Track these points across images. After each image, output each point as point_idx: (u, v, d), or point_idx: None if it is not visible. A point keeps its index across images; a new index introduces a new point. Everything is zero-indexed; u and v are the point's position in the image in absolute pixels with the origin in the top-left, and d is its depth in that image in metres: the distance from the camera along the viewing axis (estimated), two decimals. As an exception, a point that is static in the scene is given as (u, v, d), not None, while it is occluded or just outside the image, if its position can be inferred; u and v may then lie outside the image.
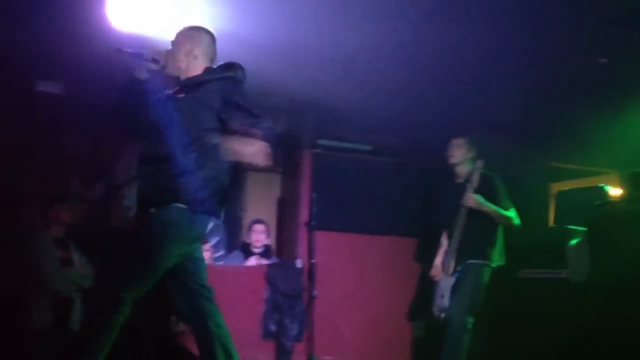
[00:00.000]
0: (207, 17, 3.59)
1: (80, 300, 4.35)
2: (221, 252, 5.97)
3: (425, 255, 5.12)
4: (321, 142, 5.25)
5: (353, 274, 5.21)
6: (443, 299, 4.39)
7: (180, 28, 3.06)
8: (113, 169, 5.51)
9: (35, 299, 4.23)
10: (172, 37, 3.03)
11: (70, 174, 5.41)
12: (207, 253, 5.25)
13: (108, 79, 3.99)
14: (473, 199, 4.21)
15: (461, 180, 4.42)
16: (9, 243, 4.34)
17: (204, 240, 5.09)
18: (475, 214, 4.24)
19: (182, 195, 2.75)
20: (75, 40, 3.81)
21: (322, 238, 5.04)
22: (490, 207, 4.25)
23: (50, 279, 4.27)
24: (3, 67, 4.27)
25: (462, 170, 4.43)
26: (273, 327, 4.88)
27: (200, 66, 2.98)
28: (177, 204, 2.75)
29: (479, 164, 4.27)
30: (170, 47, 3.01)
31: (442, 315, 4.37)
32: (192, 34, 3.02)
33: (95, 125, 5.04)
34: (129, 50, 2.93)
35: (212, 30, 3.07)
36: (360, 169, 5.30)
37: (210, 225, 6.13)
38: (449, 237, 4.46)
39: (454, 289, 4.30)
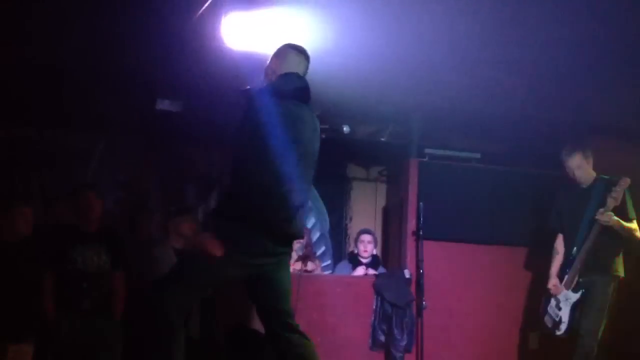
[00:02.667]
0: (314, 33, 3.69)
1: (200, 309, 4.50)
2: (328, 262, 6.05)
3: (536, 265, 5.00)
4: (428, 150, 5.20)
5: (462, 284, 5.11)
6: (560, 311, 4.26)
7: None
8: (226, 181, 5.72)
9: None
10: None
11: (187, 187, 5.68)
12: (314, 264, 5.37)
13: (222, 96, 4.22)
14: (613, 219, 4.05)
15: (584, 187, 4.30)
16: (134, 251, 4.57)
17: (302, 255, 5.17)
18: (606, 228, 4.09)
19: (241, 210, 2.72)
20: (192, 61, 4.01)
21: (430, 248, 5.03)
22: (626, 225, 4.11)
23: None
24: (126, 88, 4.56)
25: (583, 176, 4.30)
26: (382, 338, 4.88)
27: None
28: (233, 219, 2.73)
29: (623, 182, 4.06)
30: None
31: (560, 328, 4.25)
32: (279, 51, 3.06)
33: (209, 140, 5.29)
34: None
35: (304, 47, 3.09)
36: (468, 177, 5.20)
37: (317, 235, 6.21)
38: (567, 246, 4.32)
39: (579, 305, 4.18)
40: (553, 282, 4.38)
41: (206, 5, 3.49)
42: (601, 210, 4.05)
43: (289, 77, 2.95)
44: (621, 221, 4.08)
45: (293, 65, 3.01)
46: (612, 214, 4.05)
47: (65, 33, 3.70)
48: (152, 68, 4.22)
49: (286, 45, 3.09)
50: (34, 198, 4.57)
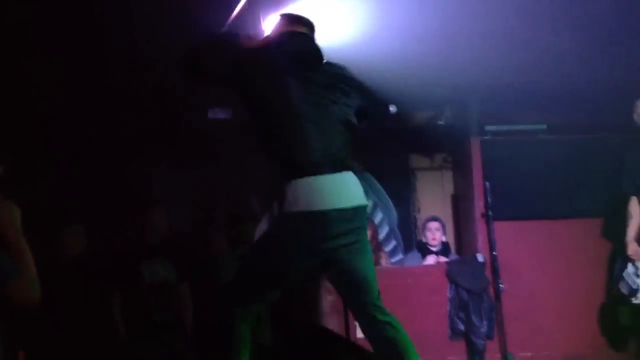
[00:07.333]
0: (358, 18, 3.59)
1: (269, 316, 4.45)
2: (399, 257, 5.90)
3: (614, 233, 4.69)
4: (489, 127, 4.99)
5: (541, 263, 4.87)
6: (639, 279, 4.00)
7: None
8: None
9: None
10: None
11: (249, 195, 5.67)
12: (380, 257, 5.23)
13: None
14: None
15: None
16: (208, 267, 4.58)
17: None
18: None
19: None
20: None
21: (502, 229, 4.83)
22: None
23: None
24: (177, 103, 4.60)
25: None
26: (461, 326, 4.71)
27: None
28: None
29: None
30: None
31: (638, 297, 4.00)
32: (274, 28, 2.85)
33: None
34: None
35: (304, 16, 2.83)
36: (535, 150, 4.96)
37: (386, 231, 6.06)
38: None
39: None
40: (633, 247, 4.11)
41: (241, 6, 3.45)
42: None
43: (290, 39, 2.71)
44: None
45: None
46: None
47: (108, 52, 3.75)
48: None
49: (281, 18, 2.83)
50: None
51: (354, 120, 2.74)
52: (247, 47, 2.70)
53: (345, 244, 2.59)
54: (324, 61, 2.76)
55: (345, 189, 2.59)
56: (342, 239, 2.57)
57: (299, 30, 2.76)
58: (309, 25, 2.80)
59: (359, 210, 2.61)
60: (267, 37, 2.82)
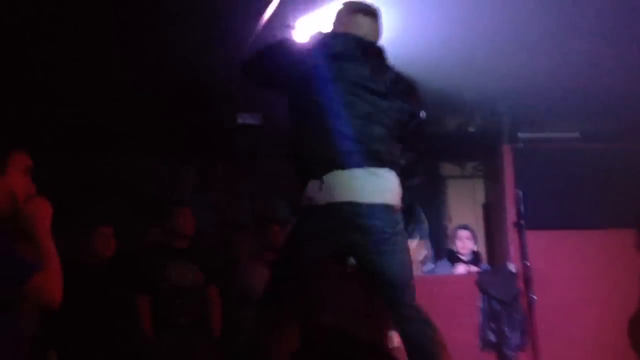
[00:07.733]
0: (385, 17, 3.55)
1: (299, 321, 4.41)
2: (430, 267, 5.83)
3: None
4: (521, 135, 4.91)
5: (574, 273, 4.73)
6: None
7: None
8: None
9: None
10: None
11: (278, 202, 5.67)
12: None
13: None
14: None
15: None
16: (233, 271, 4.57)
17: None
18: None
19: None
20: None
21: (535, 238, 4.73)
22: None
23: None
24: (207, 106, 4.63)
25: None
26: (492, 337, 4.61)
27: None
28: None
29: None
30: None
31: None
32: (336, 14, 2.85)
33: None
34: None
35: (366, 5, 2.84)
36: (568, 159, 4.86)
37: (416, 241, 5.98)
38: None
39: None
40: None
41: (271, 12, 3.45)
42: None
43: (338, 38, 2.71)
44: None
45: (352, 27, 2.74)
46: None
47: (138, 53, 3.78)
48: (230, 84, 4.23)
49: (343, 6, 2.83)
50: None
51: (404, 119, 2.78)
52: (300, 48, 2.76)
53: (365, 241, 2.54)
54: (385, 60, 2.79)
55: (367, 185, 2.54)
56: (358, 234, 2.53)
57: (359, 20, 2.76)
58: (371, 13, 2.81)
59: (377, 208, 2.54)
60: (322, 34, 2.81)
